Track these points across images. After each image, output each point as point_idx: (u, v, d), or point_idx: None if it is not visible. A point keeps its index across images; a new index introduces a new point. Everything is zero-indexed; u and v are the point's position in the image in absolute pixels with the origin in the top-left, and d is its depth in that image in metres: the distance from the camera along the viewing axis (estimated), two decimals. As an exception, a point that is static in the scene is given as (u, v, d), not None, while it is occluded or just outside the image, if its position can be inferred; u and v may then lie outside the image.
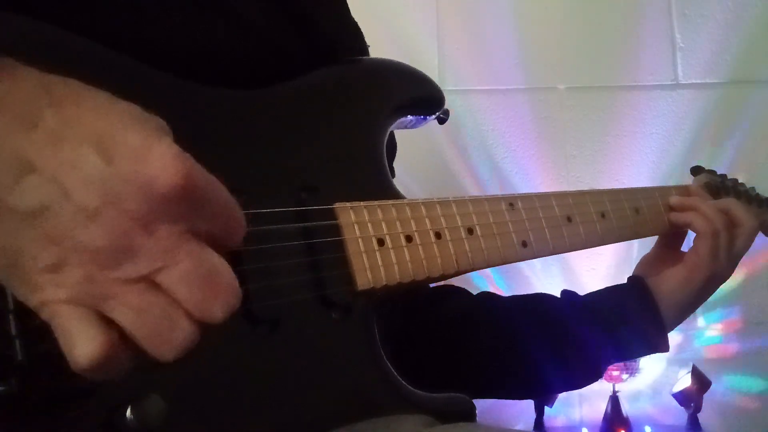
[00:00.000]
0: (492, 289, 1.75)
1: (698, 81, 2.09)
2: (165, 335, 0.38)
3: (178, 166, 0.38)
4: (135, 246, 0.37)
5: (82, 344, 0.37)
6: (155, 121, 0.40)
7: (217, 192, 0.41)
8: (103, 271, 0.37)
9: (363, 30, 0.83)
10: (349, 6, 0.83)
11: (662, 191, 0.98)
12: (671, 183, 1.99)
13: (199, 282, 0.39)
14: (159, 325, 0.38)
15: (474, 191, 2.02)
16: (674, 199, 0.97)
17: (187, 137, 0.57)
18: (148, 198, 0.37)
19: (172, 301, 0.39)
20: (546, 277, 1.96)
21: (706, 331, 2.02)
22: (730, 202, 0.96)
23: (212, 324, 0.40)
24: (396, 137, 0.84)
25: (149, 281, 0.38)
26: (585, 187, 2.03)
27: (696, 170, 1.12)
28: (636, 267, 0.99)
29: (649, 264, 0.99)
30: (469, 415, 0.68)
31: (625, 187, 1.96)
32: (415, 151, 1.88)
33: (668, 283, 0.92)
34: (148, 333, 0.38)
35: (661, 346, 0.93)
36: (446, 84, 2.06)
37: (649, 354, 0.95)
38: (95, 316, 0.37)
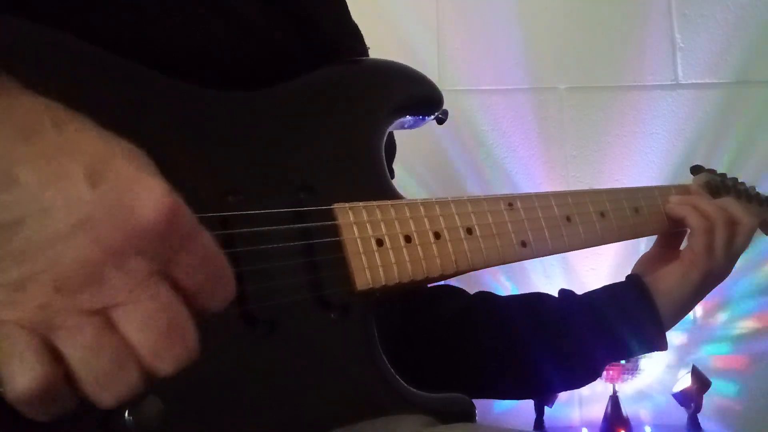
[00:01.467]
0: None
1: (698, 81, 2.09)
2: (109, 379, 0.37)
3: (164, 201, 0.37)
4: (101, 276, 0.36)
5: (21, 372, 0.35)
6: (147, 159, 0.39)
7: (203, 243, 0.39)
8: (63, 297, 0.36)
9: (363, 30, 0.83)
10: (350, 6, 0.83)
11: (662, 190, 0.98)
12: (671, 183, 2.00)
13: (157, 329, 0.37)
14: (105, 368, 0.37)
15: (474, 191, 2.02)
16: (674, 199, 0.97)
17: (187, 138, 0.57)
18: (123, 227, 0.36)
19: (124, 344, 0.37)
20: (547, 276, 1.96)
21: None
22: (728, 201, 0.96)
23: (159, 376, 0.38)
24: (396, 137, 0.84)
25: (106, 319, 0.37)
26: (585, 187, 2.04)
27: (696, 169, 1.12)
28: (634, 266, 0.99)
29: (647, 263, 0.98)
30: (469, 414, 0.68)
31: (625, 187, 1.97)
32: (415, 150, 1.88)
33: (665, 281, 0.91)
34: (93, 375, 0.37)
35: (660, 345, 0.91)
36: (446, 84, 2.06)
37: (648, 352, 0.94)
38: (43, 347, 0.36)
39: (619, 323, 0.88)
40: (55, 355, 0.36)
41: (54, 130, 0.37)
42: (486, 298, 0.93)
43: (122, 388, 0.37)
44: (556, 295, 0.93)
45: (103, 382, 0.37)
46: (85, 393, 0.37)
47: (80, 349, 0.36)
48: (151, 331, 0.37)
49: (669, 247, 0.98)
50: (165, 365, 0.38)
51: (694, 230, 0.92)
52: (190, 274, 0.39)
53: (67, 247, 0.35)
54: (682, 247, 0.96)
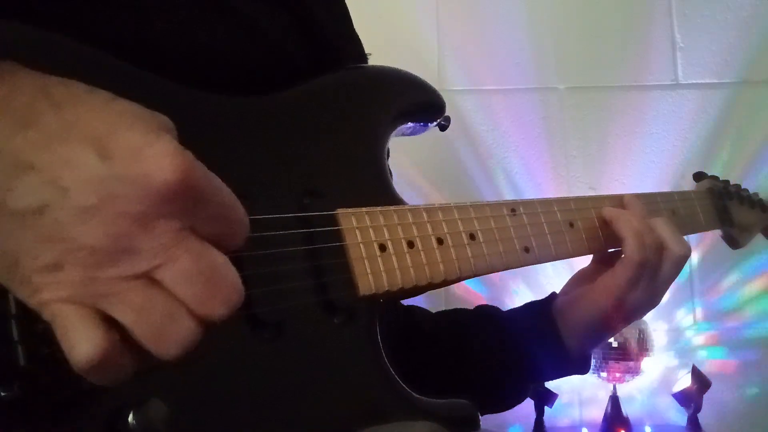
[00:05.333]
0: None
1: (698, 81, 2.09)
2: (167, 332, 0.38)
3: (175, 162, 0.38)
4: (133, 244, 0.37)
5: (82, 344, 0.37)
6: (157, 119, 0.40)
7: (218, 190, 0.41)
8: (102, 269, 0.37)
9: (363, 30, 0.83)
10: (350, 6, 0.83)
11: (665, 196, 0.98)
12: (671, 183, 2.01)
13: (200, 279, 0.39)
14: (160, 322, 0.38)
15: (474, 192, 2.02)
16: (607, 213, 0.85)
17: (191, 143, 0.57)
18: (144, 195, 0.37)
19: (173, 298, 0.39)
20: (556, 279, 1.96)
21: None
22: (660, 222, 0.84)
23: (214, 321, 0.40)
24: (396, 138, 0.84)
25: (149, 279, 0.38)
26: (585, 187, 2.04)
27: (699, 176, 1.12)
28: (567, 281, 0.92)
29: (576, 280, 0.91)
30: (473, 420, 0.68)
31: (625, 188, 1.97)
32: (415, 150, 1.88)
33: (577, 307, 0.84)
34: (150, 330, 0.38)
35: (575, 371, 0.86)
36: (446, 84, 2.06)
37: (567, 376, 0.88)
38: (96, 316, 0.37)
39: (529, 348, 0.84)
40: (109, 322, 0.38)
41: (53, 111, 0.38)
42: (419, 314, 0.92)
43: (180, 338, 0.39)
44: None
45: (161, 336, 0.38)
46: (146, 350, 0.38)
47: (132, 311, 0.38)
48: (194, 281, 0.39)
49: (604, 263, 0.87)
50: (217, 309, 0.39)
51: (627, 259, 0.81)
52: (212, 222, 0.40)
53: (94, 223, 0.37)
54: None
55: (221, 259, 0.40)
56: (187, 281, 0.38)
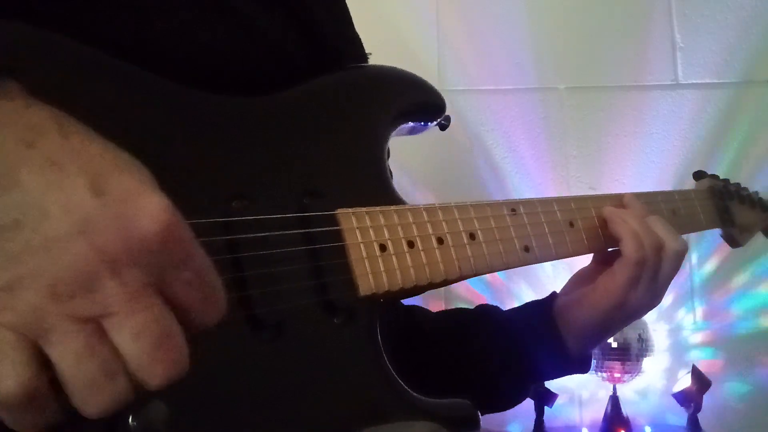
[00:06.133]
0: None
1: (698, 81, 2.09)
2: (98, 386, 0.37)
3: (165, 216, 0.37)
4: (96, 284, 0.36)
5: (7, 375, 0.35)
6: (149, 174, 0.40)
7: (200, 260, 0.40)
8: (55, 302, 0.36)
9: (363, 30, 0.83)
10: (350, 6, 0.83)
11: (665, 196, 0.98)
12: (671, 183, 2.00)
13: (148, 341, 0.37)
14: (94, 376, 0.37)
15: (474, 191, 2.02)
16: (607, 212, 0.85)
17: (192, 143, 0.57)
18: (125, 239, 0.37)
19: (115, 354, 0.37)
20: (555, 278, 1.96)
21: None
22: (655, 220, 0.84)
23: (147, 389, 0.38)
24: (396, 138, 0.84)
25: (98, 327, 0.37)
26: (585, 187, 2.04)
27: (699, 175, 1.12)
28: (568, 281, 0.92)
29: (576, 280, 0.90)
30: (473, 420, 0.68)
31: (625, 188, 1.97)
32: (415, 150, 1.88)
33: (577, 307, 0.83)
34: (82, 382, 0.37)
35: (575, 370, 0.86)
36: (446, 84, 2.06)
37: (568, 375, 0.88)
38: (31, 351, 0.36)
39: (529, 348, 0.84)
40: (43, 361, 0.36)
41: (59, 136, 0.38)
42: (420, 313, 0.92)
43: (109, 397, 0.37)
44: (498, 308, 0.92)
45: (91, 390, 0.37)
46: (71, 400, 0.37)
47: (70, 355, 0.36)
48: (143, 342, 0.37)
49: (604, 263, 0.86)
50: (155, 377, 0.38)
51: (626, 259, 0.80)
52: (184, 289, 0.39)
53: (65, 251, 0.36)
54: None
55: (176, 329, 0.39)
56: (135, 339, 0.37)
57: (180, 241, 0.38)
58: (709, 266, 2.01)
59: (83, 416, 0.37)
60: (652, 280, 0.81)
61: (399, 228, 0.66)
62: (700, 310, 2.03)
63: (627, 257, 0.80)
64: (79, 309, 0.36)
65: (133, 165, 0.39)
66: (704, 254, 1.99)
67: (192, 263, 0.39)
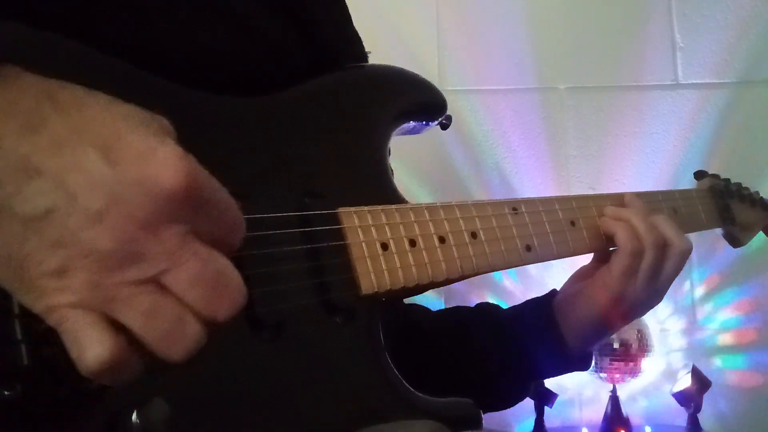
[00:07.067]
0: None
1: (698, 81, 2.09)
2: (174, 337, 0.39)
3: (181, 167, 0.38)
4: (140, 248, 0.38)
5: (91, 349, 0.37)
6: (157, 123, 0.40)
7: (219, 193, 0.41)
8: (109, 274, 0.37)
9: (363, 30, 0.83)
10: (350, 6, 0.83)
11: (666, 195, 0.98)
12: (671, 183, 2.01)
13: (206, 283, 0.39)
14: (168, 326, 0.39)
15: (475, 191, 2.02)
16: (608, 211, 0.86)
17: (191, 143, 0.57)
18: (151, 200, 0.37)
19: (179, 302, 0.39)
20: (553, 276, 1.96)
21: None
22: (661, 219, 0.84)
23: (219, 323, 0.40)
24: (397, 137, 0.84)
25: (156, 283, 0.38)
26: (585, 187, 2.05)
27: (700, 174, 1.12)
28: (568, 279, 0.92)
29: (576, 277, 0.91)
30: (474, 419, 0.68)
31: (625, 188, 1.97)
32: (415, 150, 1.88)
33: (576, 302, 0.84)
34: (158, 335, 0.38)
35: (576, 368, 0.86)
36: (447, 84, 2.06)
37: (569, 373, 0.88)
38: (103, 320, 0.38)
39: (529, 346, 0.84)
40: (117, 326, 0.38)
41: (58, 115, 0.38)
42: (421, 312, 0.92)
43: (188, 341, 0.39)
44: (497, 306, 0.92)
45: (169, 340, 0.39)
46: (154, 353, 0.39)
47: (139, 316, 0.38)
48: (201, 285, 0.39)
49: (604, 261, 0.86)
50: (223, 311, 0.40)
51: (620, 250, 0.82)
52: (213, 225, 0.41)
53: (102, 227, 0.37)
54: None
55: (225, 262, 0.40)
56: (193, 285, 0.39)
57: (199, 185, 0.39)
58: (710, 266, 2.01)
59: (172, 362, 0.40)
60: (653, 278, 0.82)
61: (401, 227, 0.66)
62: (700, 310, 2.03)
63: (621, 248, 0.81)
64: (132, 274, 0.38)
65: (136, 118, 0.40)
66: (705, 254, 1.99)
67: (214, 199, 0.41)
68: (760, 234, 1.17)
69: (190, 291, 0.39)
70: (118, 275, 0.37)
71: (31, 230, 0.36)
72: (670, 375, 1.99)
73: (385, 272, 0.63)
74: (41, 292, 0.37)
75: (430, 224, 0.68)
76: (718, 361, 2.00)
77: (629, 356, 1.87)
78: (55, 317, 0.37)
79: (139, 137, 0.38)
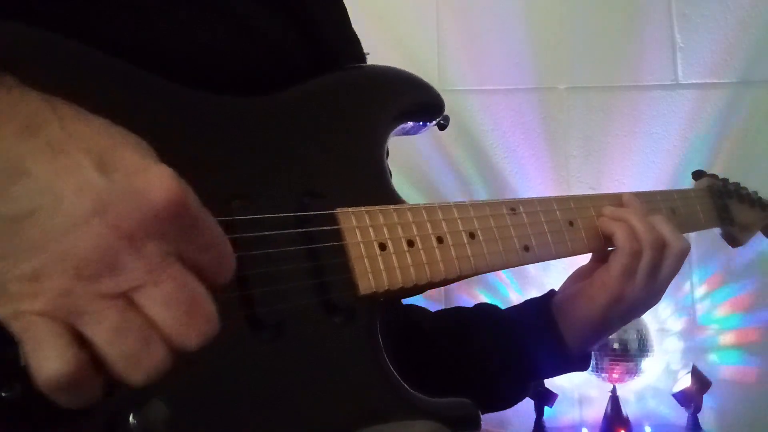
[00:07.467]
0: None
1: (698, 81, 2.10)
2: (138, 358, 0.38)
3: (173, 186, 0.38)
4: (119, 261, 0.37)
5: (50, 361, 0.36)
6: (146, 146, 0.41)
7: (209, 223, 0.41)
8: (83, 283, 0.36)
9: (363, 30, 0.83)
10: (349, 6, 0.83)
11: (664, 195, 0.98)
12: (671, 183, 2.01)
13: (179, 306, 0.38)
14: (133, 346, 0.37)
15: (474, 191, 2.02)
16: (606, 211, 0.86)
17: (191, 143, 0.57)
18: (139, 212, 0.37)
19: (149, 323, 0.38)
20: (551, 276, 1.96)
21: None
22: (659, 220, 0.84)
23: (186, 351, 0.39)
24: (396, 138, 0.84)
25: (128, 300, 0.38)
26: (585, 187, 2.05)
27: (698, 174, 1.12)
28: (566, 279, 0.92)
29: (575, 277, 0.90)
30: (473, 419, 0.68)
31: (625, 188, 1.97)
32: (415, 149, 1.88)
33: (575, 302, 0.84)
34: (122, 353, 0.37)
35: (575, 367, 0.86)
36: (446, 84, 2.06)
37: (568, 373, 0.88)
38: (68, 333, 0.36)
39: (528, 345, 0.84)
40: (80, 340, 0.37)
41: (59, 123, 0.38)
42: (420, 312, 0.92)
43: (151, 365, 0.38)
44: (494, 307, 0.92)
45: (132, 361, 0.38)
46: (115, 374, 0.38)
47: (106, 331, 0.37)
48: (174, 308, 0.38)
49: (602, 261, 0.86)
50: (191, 339, 0.39)
51: (619, 250, 0.82)
52: (199, 252, 0.40)
53: (84, 233, 0.36)
54: None
55: (202, 291, 0.40)
56: (165, 306, 0.38)
57: (189, 208, 0.39)
58: (709, 266, 2.01)
59: (129, 385, 0.38)
60: (651, 278, 0.82)
61: (399, 227, 0.66)
62: (700, 310, 2.03)
63: (620, 248, 0.81)
64: (106, 287, 0.37)
65: (131, 138, 0.40)
66: (705, 254, 1.99)
67: (203, 226, 0.40)
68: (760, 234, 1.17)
69: (160, 312, 0.38)
70: (92, 285, 0.36)
71: (10, 230, 0.36)
72: (670, 375, 1.99)
73: (383, 272, 0.63)
74: (10, 296, 0.36)
75: (428, 225, 0.68)
76: (718, 361, 2.00)
77: (629, 356, 1.87)
78: (20, 324, 0.36)
79: (135, 153, 0.39)
